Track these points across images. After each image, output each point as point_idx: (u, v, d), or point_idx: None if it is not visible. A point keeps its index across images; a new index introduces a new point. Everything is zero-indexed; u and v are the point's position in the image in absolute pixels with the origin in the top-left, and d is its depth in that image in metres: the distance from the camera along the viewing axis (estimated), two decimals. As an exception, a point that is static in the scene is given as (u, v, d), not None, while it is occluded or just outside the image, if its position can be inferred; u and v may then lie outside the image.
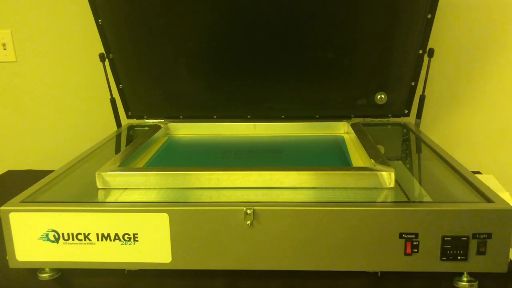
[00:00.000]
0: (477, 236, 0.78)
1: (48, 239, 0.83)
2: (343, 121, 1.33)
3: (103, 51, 1.30)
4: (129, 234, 0.82)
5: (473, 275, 0.82)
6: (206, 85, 1.37)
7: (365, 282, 0.84)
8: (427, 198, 0.88)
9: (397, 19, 1.24)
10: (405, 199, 0.86)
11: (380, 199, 0.86)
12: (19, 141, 1.59)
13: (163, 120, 1.38)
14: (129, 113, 1.40)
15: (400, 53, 1.28)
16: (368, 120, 1.36)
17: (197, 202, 0.86)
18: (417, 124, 1.36)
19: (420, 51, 1.25)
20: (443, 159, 1.04)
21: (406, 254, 0.80)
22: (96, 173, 0.93)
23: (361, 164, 1.03)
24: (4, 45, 1.48)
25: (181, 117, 1.39)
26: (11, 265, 0.85)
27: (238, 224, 0.80)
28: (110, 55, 1.30)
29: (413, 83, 1.30)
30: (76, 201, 0.88)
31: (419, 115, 1.35)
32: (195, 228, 0.81)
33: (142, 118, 1.41)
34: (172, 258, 0.83)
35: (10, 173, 1.49)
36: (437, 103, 1.46)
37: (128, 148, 1.11)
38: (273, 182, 0.90)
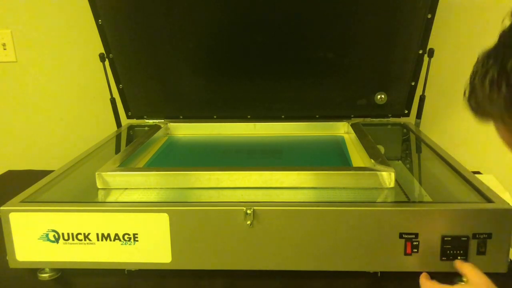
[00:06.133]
0: (477, 236, 0.78)
1: (48, 239, 0.83)
2: (343, 121, 1.33)
3: (103, 51, 1.30)
4: (129, 234, 0.82)
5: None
6: (206, 85, 1.37)
7: (365, 282, 0.84)
8: (427, 198, 0.88)
9: (397, 19, 1.24)
10: (405, 199, 0.86)
11: (380, 199, 0.86)
12: (19, 141, 1.58)
13: (163, 120, 1.38)
14: (129, 113, 1.40)
15: (400, 53, 1.28)
16: (368, 120, 1.36)
17: (197, 202, 0.86)
18: (417, 124, 1.35)
19: (420, 51, 1.25)
20: (443, 159, 1.04)
21: (406, 254, 0.80)
22: (96, 173, 0.93)
23: (361, 164, 1.03)
24: (4, 45, 1.48)
25: (181, 117, 1.39)
26: (11, 265, 0.85)
27: (238, 224, 0.80)
28: (110, 55, 1.30)
29: (413, 83, 1.30)
30: (76, 201, 0.89)
31: (419, 115, 1.35)
32: (195, 228, 0.81)
33: (142, 118, 1.40)
34: (172, 258, 0.83)
35: (10, 173, 1.49)
36: (437, 103, 1.46)
37: (128, 148, 1.11)
38: (273, 182, 0.90)
